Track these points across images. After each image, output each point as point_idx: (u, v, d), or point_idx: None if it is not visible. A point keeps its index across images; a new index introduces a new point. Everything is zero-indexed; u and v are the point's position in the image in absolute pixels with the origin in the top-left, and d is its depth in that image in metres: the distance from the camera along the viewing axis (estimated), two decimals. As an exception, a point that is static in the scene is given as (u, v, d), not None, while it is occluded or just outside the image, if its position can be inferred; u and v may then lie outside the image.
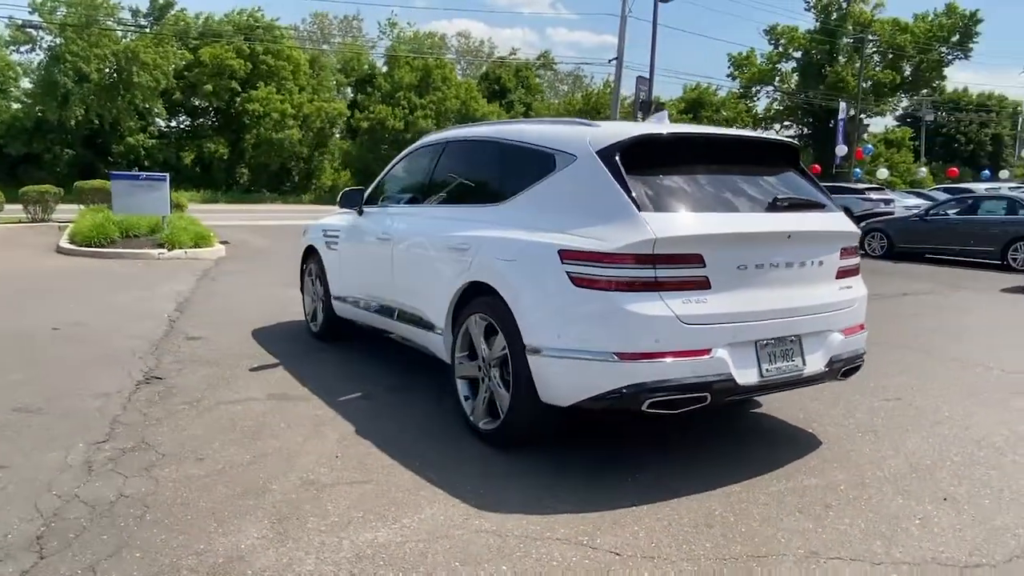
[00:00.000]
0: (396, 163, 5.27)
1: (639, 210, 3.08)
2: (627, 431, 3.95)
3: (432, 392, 4.66)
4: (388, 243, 4.71)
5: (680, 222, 3.13)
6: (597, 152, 3.33)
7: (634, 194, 3.13)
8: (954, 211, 14.66)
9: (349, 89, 43.43)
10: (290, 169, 38.28)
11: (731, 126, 50.04)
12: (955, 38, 51.08)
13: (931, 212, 15.09)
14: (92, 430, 3.86)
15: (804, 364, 3.37)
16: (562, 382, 3.22)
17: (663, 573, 2.53)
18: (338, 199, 5.38)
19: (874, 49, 52.59)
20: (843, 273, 3.63)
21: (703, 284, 3.10)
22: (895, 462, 3.56)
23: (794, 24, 53.91)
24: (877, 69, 51.58)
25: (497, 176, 3.99)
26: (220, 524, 2.84)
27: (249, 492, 3.13)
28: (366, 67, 43.37)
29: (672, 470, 3.42)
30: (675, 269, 3.04)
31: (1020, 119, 53.81)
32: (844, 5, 51.66)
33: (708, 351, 3.08)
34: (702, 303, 3.08)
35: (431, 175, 4.66)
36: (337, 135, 39.77)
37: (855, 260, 3.74)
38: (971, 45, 51.04)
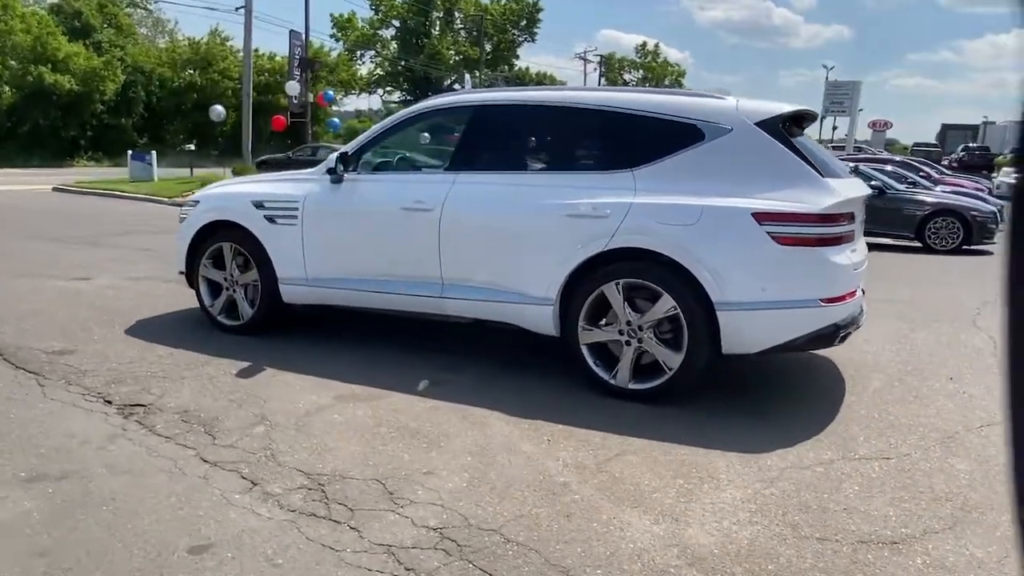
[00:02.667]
0: (397, 125, 4.68)
1: (822, 176, 3.64)
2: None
3: (489, 366, 4.47)
4: (429, 213, 4.28)
5: (844, 185, 3.77)
6: (756, 124, 3.74)
7: (812, 161, 3.66)
8: None
9: None
10: None
11: (350, 89, 50.48)
12: (523, 23, 59.51)
13: None
14: (215, 476, 2.90)
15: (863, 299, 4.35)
16: (761, 331, 3.63)
17: (911, 462, 3.23)
18: (332, 164, 4.55)
19: (462, 26, 58.15)
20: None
21: (852, 237, 3.81)
22: (891, 369, 4.77)
23: (392, -7, 56.09)
24: (465, 45, 57.17)
25: (618, 144, 4.02)
26: (596, 523, 2.62)
27: (556, 492, 2.86)
28: None
29: (793, 402, 4.12)
30: (846, 226, 3.69)
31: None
32: (435, -20, 55.72)
33: (855, 292, 3.83)
34: (854, 253, 3.80)
35: (487, 140, 4.38)
36: None
37: None
38: (535, 30, 60.13)
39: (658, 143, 3.91)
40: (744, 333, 3.65)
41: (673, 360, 3.76)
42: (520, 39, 60.66)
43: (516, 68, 66.98)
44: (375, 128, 4.75)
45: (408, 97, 58.51)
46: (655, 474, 3.04)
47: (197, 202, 5.21)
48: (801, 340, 3.62)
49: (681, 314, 3.69)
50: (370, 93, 59.53)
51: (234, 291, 5.08)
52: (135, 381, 4.03)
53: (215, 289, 5.21)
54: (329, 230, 4.68)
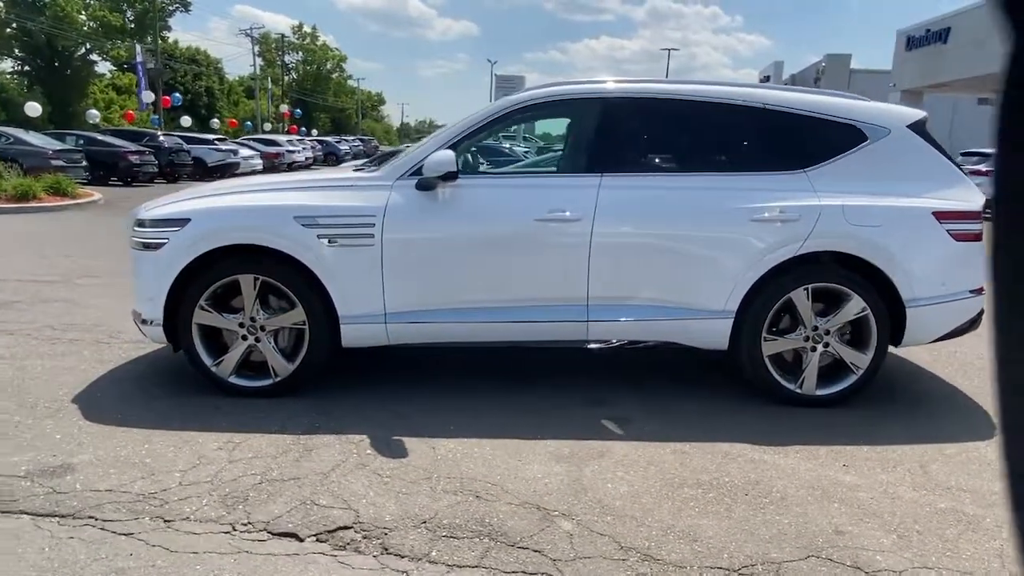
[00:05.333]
0: (493, 120, 3.75)
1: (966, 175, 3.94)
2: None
3: (634, 392, 3.97)
4: (576, 224, 3.60)
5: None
6: (908, 126, 3.88)
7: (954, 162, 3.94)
8: None
9: None
10: None
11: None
12: (175, -10, 52.74)
13: None
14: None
15: None
16: (937, 323, 3.81)
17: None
18: (440, 169, 3.45)
19: (94, -14, 49.40)
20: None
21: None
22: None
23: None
24: (103, 10, 48.67)
25: (786, 145, 3.77)
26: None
27: (967, 522, 2.69)
28: None
29: (896, 386, 4.45)
30: (979, 222, 4.05)
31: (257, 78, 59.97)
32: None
33: None
34: None
35: (636, 138, 3.79)
36: None
37: None
38: (189, 0, 53.76)
39: (825, 144, 3.83)
40: (924, 327, 3.81)
41: (862, 360, 3.77)
42: (172, 8, 53.65)
43: (165, 41, 59.40)
44: (466, 123, 3.79)
45: (25, 67, 48.02)
46: (982, 479, 3.04)
47: (186, 220, 3.61)
48: (960, 328, 3.91)
49: (871, 314, 3.72)
50: (-30, 61, 47.38)
51: (257, 341, 3.69)
52: (268, 496, 2.71)
53: (214, 341, 3.73)
54: (424, 251, 3.66)
